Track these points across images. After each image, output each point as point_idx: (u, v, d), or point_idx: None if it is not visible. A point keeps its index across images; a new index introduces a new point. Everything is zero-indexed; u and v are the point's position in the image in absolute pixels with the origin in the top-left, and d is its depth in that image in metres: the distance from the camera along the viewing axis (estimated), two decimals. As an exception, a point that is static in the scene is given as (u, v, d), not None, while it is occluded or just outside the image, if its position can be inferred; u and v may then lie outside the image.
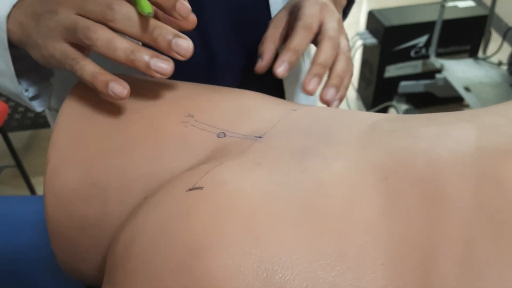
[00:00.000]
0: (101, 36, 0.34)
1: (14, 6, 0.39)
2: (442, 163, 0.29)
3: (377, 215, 0.28)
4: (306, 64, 0.70)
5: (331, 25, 0.46)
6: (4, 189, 1.70)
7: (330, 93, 0.45)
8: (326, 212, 0.28)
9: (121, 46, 0.34)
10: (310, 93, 0.44)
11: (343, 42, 0.48)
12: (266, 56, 0.47)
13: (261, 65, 0.47)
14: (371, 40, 1.90)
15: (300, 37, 0.45)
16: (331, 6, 0.49)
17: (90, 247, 0.37)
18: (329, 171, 0.31)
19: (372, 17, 1.95)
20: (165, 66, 0.35)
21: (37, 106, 0.47)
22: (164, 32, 0.35)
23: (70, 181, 0.36)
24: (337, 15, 0.49)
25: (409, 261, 0.26)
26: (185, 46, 0.35)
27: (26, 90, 0.44)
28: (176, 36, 0.35)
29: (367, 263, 0.26)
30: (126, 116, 0.37)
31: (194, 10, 0.51)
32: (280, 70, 0.44)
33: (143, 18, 0.34)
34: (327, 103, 0.45)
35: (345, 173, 0.30)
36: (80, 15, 0.35)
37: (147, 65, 0.34)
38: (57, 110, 0.61)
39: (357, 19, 2.61)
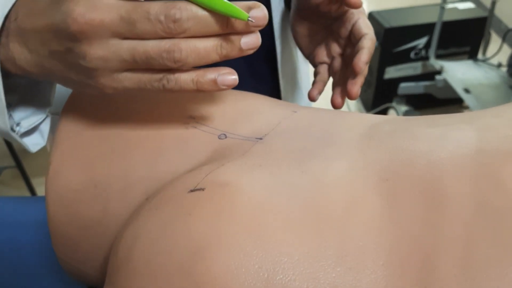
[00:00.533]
0: (188, 50, 0.29)
1: (8, 33, 0.33)
2: (442, 164, 0.29)
3: (377, 216, 0.28)
4: (302, 66, 0.70)
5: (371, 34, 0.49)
6: (4, 189, 1.70)
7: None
8: (326, 213, 0.28)
9: (208, 47, 0.30)
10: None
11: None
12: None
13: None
14: (371, 42, 1.90)
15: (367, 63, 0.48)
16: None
17: (91, 248, 0.37)
18: (329, 172, 0.31)
19: (372, 18, 1.95)
20: (251, 39, 0.31)
21: (31, 145, 0.41)
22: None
23: (72, 183, 0.36)
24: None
25: (409, 261, 0.26)
26: (262, 15, 0.31)
27: (18, 125, 0.39)
28: (249, 8, 0.31)
29: (368, 264, 0.26)
30: (127, 118, 0.38)
31: None
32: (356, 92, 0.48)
33: (209, 12, 0.30)
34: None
35: (346, 174, 0.31)
36: (125, 38, 0.30)
37: (241, 50, 0.31)
38: (56, 113, 0.61)
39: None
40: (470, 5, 1.98)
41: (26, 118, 0.40)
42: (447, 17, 1.82)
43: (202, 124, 0.37)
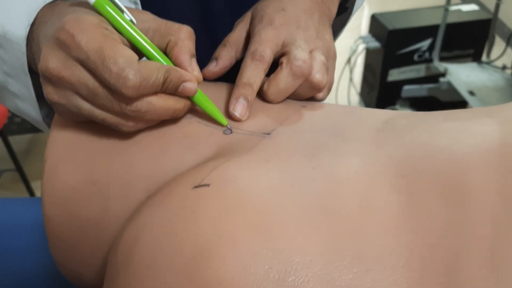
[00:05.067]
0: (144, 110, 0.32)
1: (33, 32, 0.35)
2: (464, 159, 0.28)
3: (396, 214, 0.26)
4: None
5: (297, 49, 0.38)
6: (4, 193, 1.68)
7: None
8: (341, 210, 0.27)
9: (162, 105, 0.32)
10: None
11: (316, 63, 0.39)
12: (221, 62, 0.41)
13: (213, 70, 0.41)
14: (374, 44, 1.89)
15: (251, 69, 0.38)
16: (296, 20, 0.40)
17: (90, 249, 0.35)
18: (343, 168, 0.29)
19: (375, 20, 1.95)
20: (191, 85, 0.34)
21: None
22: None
23: (70, 180, 0.35)
24: (308, 25, 0.40)
25: (432, 263, 0.24)
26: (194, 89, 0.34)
27: (47, 116, 0.42)
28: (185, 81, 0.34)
29: (387, 265, 0.25)
30: None
31: (204, 16, 0.50)
32: (237, 111, 0.36)
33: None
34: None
35: (361, 170, 0.29)
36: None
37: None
38: None
39: (360, 23, 2.61)
40: (474, 7, 1.97)
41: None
42: (451, 19, 1.81)
43: (206, 119, 0.36)
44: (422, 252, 0.25)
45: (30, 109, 0.40)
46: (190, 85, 0.33)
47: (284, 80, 0.37)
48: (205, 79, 0.41)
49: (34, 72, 0.37)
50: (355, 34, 2.15)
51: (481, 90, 1.68)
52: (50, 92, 0.32)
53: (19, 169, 1.46)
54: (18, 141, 1.74)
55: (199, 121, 0.36)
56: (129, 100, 0.31)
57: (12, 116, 1.66)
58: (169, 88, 0.32)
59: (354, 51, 1.92)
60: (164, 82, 0.31)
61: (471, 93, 1.66)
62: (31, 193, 1.54)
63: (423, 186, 0.27)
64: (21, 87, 0.38)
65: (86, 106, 0.32)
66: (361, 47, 1.94)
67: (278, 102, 0.39)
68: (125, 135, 0.35)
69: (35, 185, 1.56)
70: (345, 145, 0.31)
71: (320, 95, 0.41)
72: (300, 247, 0.25)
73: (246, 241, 0.25)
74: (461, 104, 1.95)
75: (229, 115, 0.36)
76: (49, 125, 0.42)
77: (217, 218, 0.26)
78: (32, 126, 1.75)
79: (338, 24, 0.57)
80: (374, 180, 0.28)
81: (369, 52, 2.01)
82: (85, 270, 0.37)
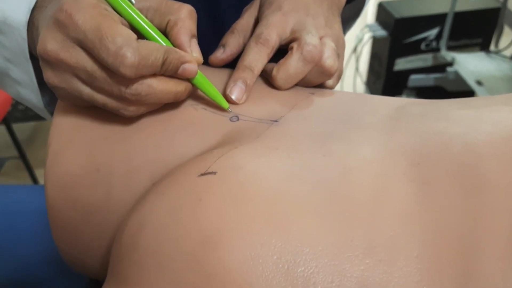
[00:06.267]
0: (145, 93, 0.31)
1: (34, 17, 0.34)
2: (480, 147, 0.27)
3: (409, 204, 0.25)
4: None
5: (308, 35, 0.37)
6: (7, 181, 1.69)
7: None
8: (353, 199, 0.26)
9: (163, 88, 0.32)
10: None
11: (327, 49, 0.37)
12: (228, 49, 0.40)
13: (220, 57, 0.40)
14: (381, 32, 1.87)
15: (254, 52, 0.37)
16: (305, 7, 0.39)
17: (93, 237, 0.35)
18: (355, 155, 0.28)
19: (382, 8, 1.92)
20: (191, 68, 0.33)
21: None
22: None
23: (73, 166, 0.34)
24: (317, 12, 0.39)
25: (447, 254, 0.24)
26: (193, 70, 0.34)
27: (49, 103, 0.41)
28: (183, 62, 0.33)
29: (400, 256, 0.24)
30: None
31: (211, 4, 0.48)
32: (234, 94, 0.35)
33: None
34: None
35: (373, 158, 0.28)
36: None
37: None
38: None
39: (366, 11, 2.58)
40: (482, -5, 1.94)
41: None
42: (459, 8, 1.78)
43: (212, 106, 0.35)
44: (437, 243, 0.24)
45: (31, 95, 0.40)
46: (190, 67, 0.32)
47: (294, 65, 0.36)
48: (212, 66, 0.41)
49: (35, 58, 0.36)
50: (362, 23, 2.12)
51: (489, 80, 1.66)
52: (50, 76, 0.32)
53: (22, 156, 1.46)
54: (21, 128, 1.74)
55: (204, 107, 0.35)
56: (128, 82, 0.30)
57: (16, 103, 1.65)
58: (169, 70, 0.31)
59: (360, 40, 1.90)
60: (163, 63, 0.30)
61: (479, 83, 1.64)
62: (35, 180, 1.54)
63: (437, 175, 0.26)
64: (22, 74, 0.38)
65: (86, 90, 0.31)
66: (368, 35, 1.92)
67: (287, 89, 0.38)
68: (129, 121, 0.34)
69: (39, 173, 1.56)
70: (356, 133, 0.30)
71: (329, 82, 0.40)
72: (310, 237, 0.24)
73: (254, 230, 0.24)
74: (469, 94, 1.93)
75: (226, 98, 0.35)
76: (51, 113, 0.41)
77: (224, 207, 0.25)
78: (36, 113, 1.75)
79: (348, 12, 0.55)
80: (387, 168, 0.27)
81: (375, 41, 1.99)
82: (88, 258, 0.36)
